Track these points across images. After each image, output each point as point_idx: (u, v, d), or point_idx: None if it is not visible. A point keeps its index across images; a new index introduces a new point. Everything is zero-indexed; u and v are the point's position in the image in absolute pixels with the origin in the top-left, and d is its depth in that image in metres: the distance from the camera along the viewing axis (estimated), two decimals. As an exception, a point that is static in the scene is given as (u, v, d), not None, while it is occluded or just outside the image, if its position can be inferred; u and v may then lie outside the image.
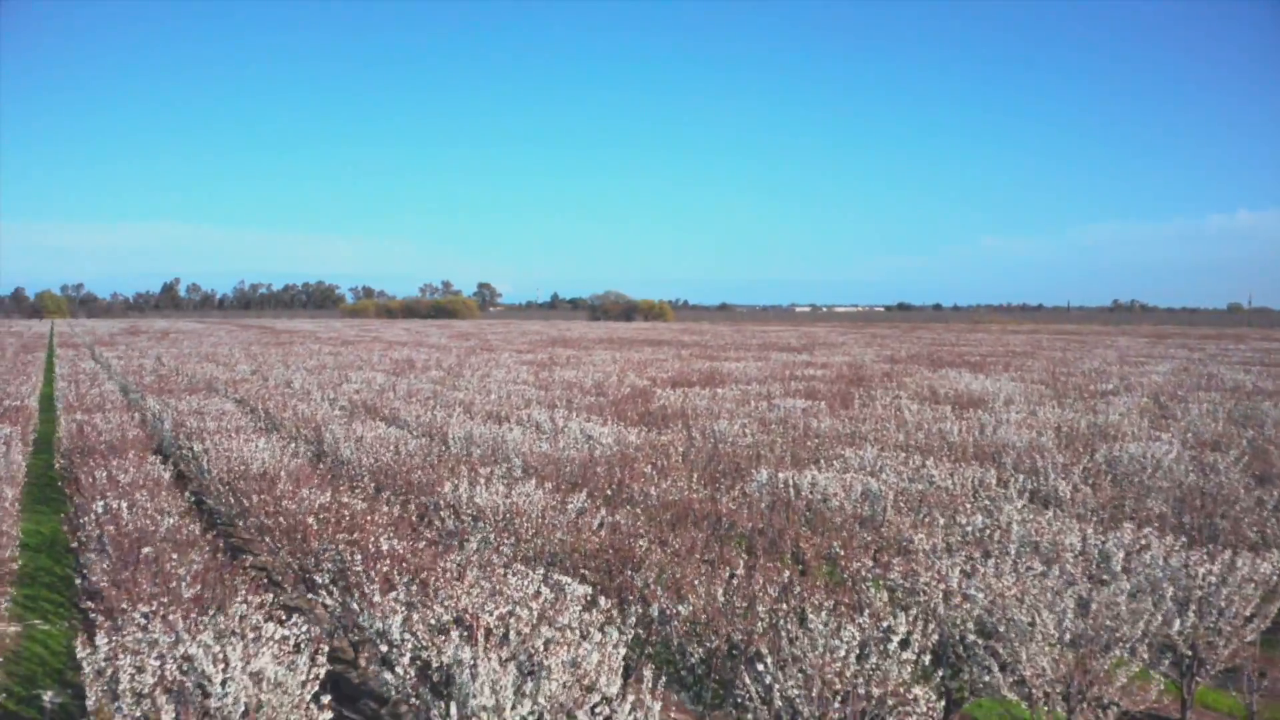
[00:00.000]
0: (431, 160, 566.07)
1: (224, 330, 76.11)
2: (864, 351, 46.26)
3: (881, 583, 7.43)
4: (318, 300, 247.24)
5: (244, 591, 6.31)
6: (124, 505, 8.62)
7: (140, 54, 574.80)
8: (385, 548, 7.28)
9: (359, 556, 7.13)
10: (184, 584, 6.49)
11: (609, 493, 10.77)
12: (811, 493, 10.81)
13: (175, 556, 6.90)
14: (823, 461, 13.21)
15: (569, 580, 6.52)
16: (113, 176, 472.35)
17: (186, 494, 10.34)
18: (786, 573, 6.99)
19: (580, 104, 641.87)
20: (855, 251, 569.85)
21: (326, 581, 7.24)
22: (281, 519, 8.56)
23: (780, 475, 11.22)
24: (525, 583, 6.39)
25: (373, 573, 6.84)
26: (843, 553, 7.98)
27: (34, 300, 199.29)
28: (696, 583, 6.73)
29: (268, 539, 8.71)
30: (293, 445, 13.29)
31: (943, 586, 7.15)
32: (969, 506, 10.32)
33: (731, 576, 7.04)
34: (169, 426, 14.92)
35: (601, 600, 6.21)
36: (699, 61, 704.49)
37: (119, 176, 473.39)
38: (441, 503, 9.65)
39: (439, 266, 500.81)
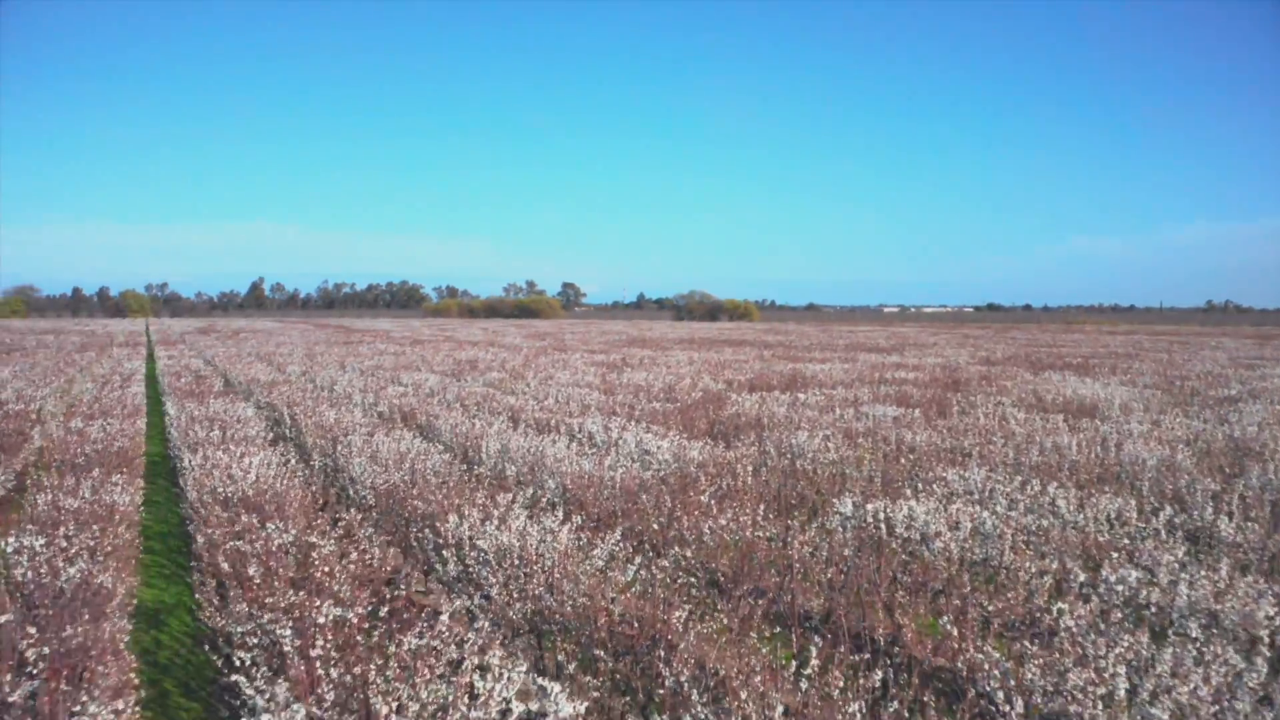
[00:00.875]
0: (519, 160, 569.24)
1: (298, 330, 75.24)
2: (957, 353, 43.45)
3: (1014, 677, 5.28)
4: (401, 300, 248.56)
5: (91, 696, 4.42)
6: (36, 544, 6.82)
7: (226, 58, 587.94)
8: (326, 618, 5.35)
9: (289, 633, 5.21)
10: (26, 676, 4.62)
11: (655, 527, 8.72)
12: (908, 530, 8.63)
13: (34, 630, 5.04)
14: (920, 485, 11.02)
15: (557, 686, 4.49)
16: (200, 179, 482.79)
17: (124, 528, 8.47)
18: (878, 674, 4.88)
19: (669, 103, 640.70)
20: (944, 252, 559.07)
21: (248, 661, 5.33)
22: (221, 563, 6.69)
23: (869, 506, 9.02)
24: (498, 688, 4.41)
25: (308, 651, 4.93)
26: (955, 632, 5.81)
27: (117, 299, 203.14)
28: (745, 694, 4.63)
29: (199, 595, 6.84)
30: (293, 460, 11.52)
31: (1102, 689, 5.00)
32: (1115, 555, 8.08)
33: (799, 671, 4.97)
34: (176, 436, 13.25)
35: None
36: (789, 61, 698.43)
37: (206, 179, 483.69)
38: (441, 542, 7.69)
39: (524, 267, 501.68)
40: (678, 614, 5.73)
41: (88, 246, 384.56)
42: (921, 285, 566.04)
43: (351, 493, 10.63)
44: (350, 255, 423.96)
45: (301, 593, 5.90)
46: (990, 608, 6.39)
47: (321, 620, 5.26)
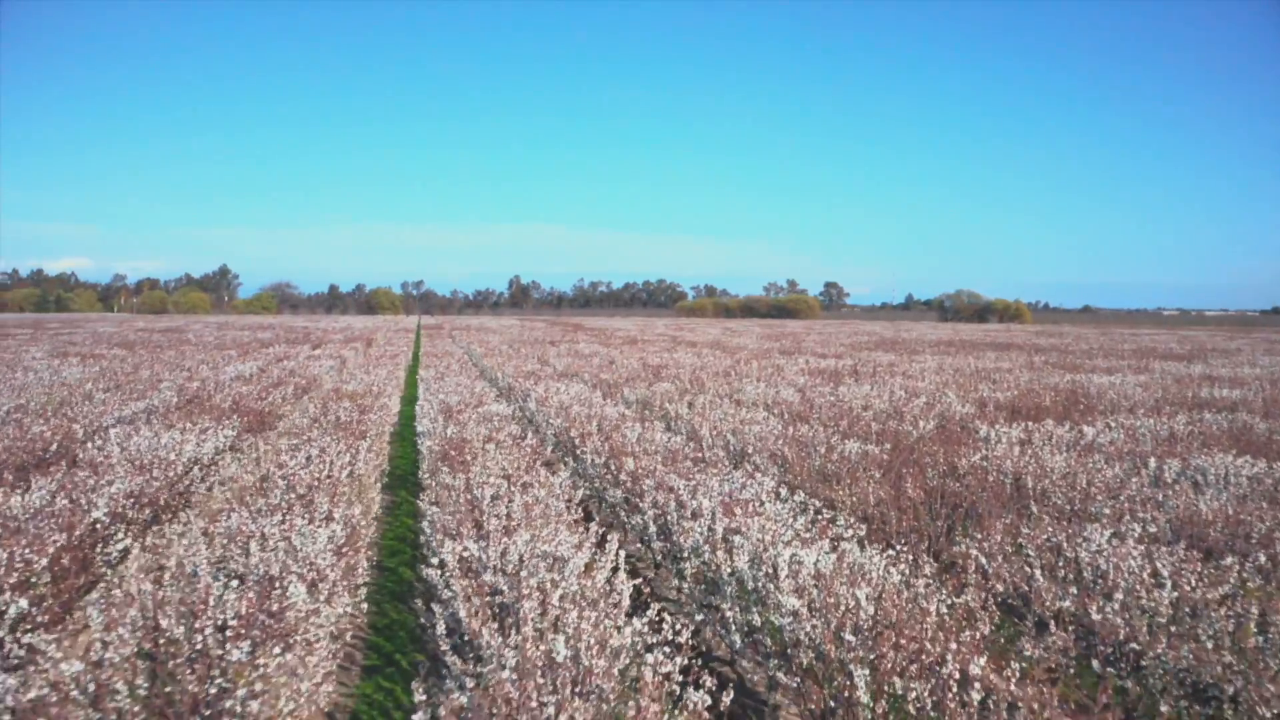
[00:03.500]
0: (785, 158, 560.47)
1: (520, 328, 69.82)
2: (1276, 361, 33.82)
3: None
4: (659, 298, 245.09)
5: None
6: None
7: (493, 68, 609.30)
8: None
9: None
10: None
11: None
12: None
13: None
14: None
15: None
16: (462, 183, 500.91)
17: None
18: None
19: (935, 98, 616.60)
20: (1220, 253, 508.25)
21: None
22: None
23: None
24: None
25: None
26: None
27: (368, 296, 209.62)
28: None
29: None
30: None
31: None
32: None
33: None
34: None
35: None
36: (1059, 58, 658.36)
37: (468, 183, 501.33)
38: None
39: (788, 266, 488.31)
40: None
41: (354, 246, 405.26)
42: (1199, 288, 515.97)
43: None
44: (611, 255, 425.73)
45: None
46: None
47: None
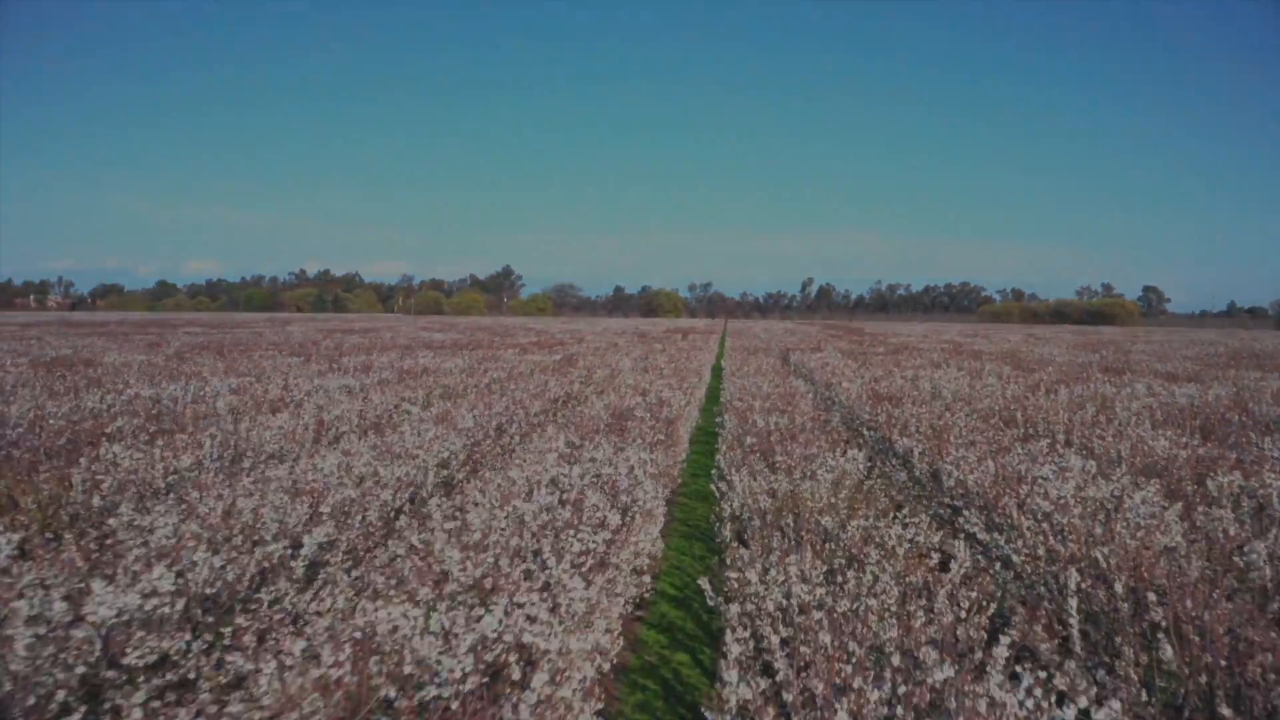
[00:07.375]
0: (1097, 157, 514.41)
1: (785, 332, 57.88)
2: None
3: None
4: (960, 302, 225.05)
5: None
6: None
7: (780, 73, 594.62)
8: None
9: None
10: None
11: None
12: None
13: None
14: None
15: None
16: (761, 187, 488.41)
17: None
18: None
19: (1254, 94, 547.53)
20: None
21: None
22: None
23: None
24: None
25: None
26: None
27: (649, 297, 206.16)
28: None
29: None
30: None
31: None
32: None
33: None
34: None
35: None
36: None
37: (767, 186, 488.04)
38: None
39: (1101, 269, 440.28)
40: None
41: (645, 250, 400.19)
42: None
43: None
44: (914, 258, 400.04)
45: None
46: None
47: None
